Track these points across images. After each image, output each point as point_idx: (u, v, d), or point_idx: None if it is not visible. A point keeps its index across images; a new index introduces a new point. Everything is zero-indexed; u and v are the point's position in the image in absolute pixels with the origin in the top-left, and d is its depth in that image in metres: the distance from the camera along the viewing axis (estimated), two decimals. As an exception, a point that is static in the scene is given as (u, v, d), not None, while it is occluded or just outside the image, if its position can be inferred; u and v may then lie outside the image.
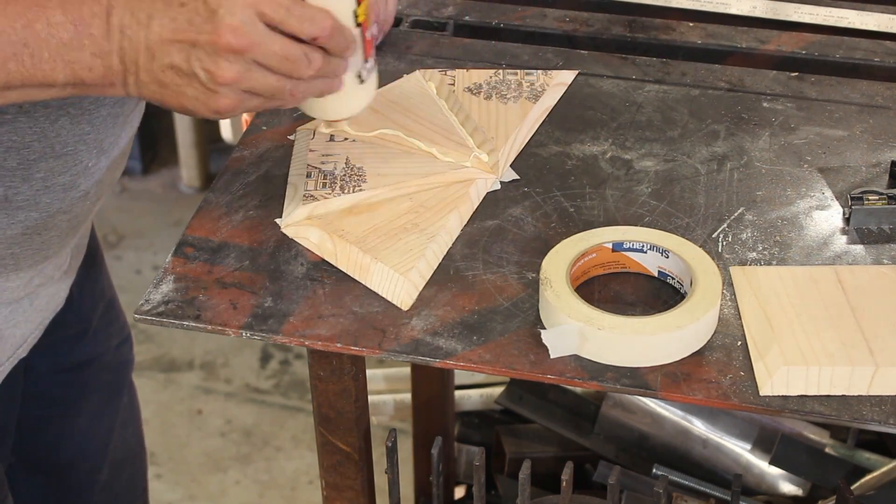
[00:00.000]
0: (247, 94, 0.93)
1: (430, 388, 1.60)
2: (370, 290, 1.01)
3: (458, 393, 1.74)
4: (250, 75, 0.92)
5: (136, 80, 0.93)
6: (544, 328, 0.96)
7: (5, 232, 1.06)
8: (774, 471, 1.54)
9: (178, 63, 0.91)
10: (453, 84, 1.23)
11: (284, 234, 1.06)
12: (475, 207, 1.09)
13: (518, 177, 1.13)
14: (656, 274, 1.02)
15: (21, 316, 1.15)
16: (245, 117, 1.62)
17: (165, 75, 0.92)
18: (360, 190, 1.08)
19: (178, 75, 0.92)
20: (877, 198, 1.07)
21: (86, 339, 1.32)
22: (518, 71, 1.24)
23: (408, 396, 1.79)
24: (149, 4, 0.92)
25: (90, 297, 1.31)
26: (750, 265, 1.03)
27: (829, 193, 1.11)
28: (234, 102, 0.93)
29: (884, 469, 1.42)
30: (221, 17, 0.90)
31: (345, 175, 1.10)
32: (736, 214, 1.08)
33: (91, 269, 1.31)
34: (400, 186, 1.09)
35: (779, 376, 0.91)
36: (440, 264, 1.03)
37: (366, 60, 1.00)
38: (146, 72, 0.92)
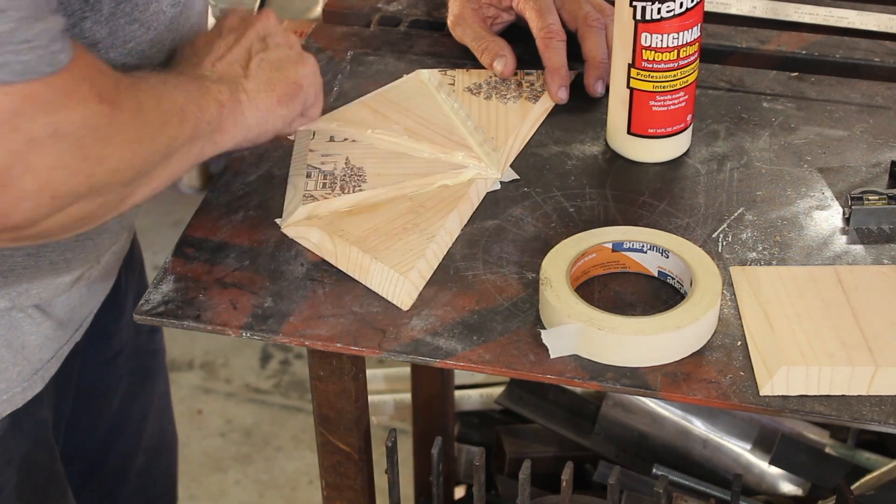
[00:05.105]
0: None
1: (430, 388, 1.60)
2: (370, 290, 1.01)
3: (458, 393, 1.74)
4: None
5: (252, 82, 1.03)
6: (544, 328, 0.96)
7: (59, 243, 1.07)
8: (774, 471, 1.54)
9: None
10: (453, 84, 1.23)
11: (284, 234, 1.06)
12: (475, 207, 1.09)
13: (518, 177, 1.13)
14: (656, 274, 1.02)
15: (77, 300, 1.17)
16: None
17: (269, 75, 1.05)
18: (360, 190, 1.08)
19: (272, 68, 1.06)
20: (877, 198, 1.07)
21: (121, 323, 1.33)
22: (518, 71, 1.24)
23: (408, 396, 1.79)
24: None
25: (124, 280, 1.33)
26: (750, 265, 1.03)
27: (829, 193, 1.11)
28: (314, 73, 1.09)
29: (884, 469, 1.42)
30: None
31: (345, 175, 1.10)
32: (736, 214, 1.08)
33: (131, 258, 1.33)
34: (400, 186, 1.09)
35: (779, 376, 0.91)
36: (440, 264, 1.03)
37: None
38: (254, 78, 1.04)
